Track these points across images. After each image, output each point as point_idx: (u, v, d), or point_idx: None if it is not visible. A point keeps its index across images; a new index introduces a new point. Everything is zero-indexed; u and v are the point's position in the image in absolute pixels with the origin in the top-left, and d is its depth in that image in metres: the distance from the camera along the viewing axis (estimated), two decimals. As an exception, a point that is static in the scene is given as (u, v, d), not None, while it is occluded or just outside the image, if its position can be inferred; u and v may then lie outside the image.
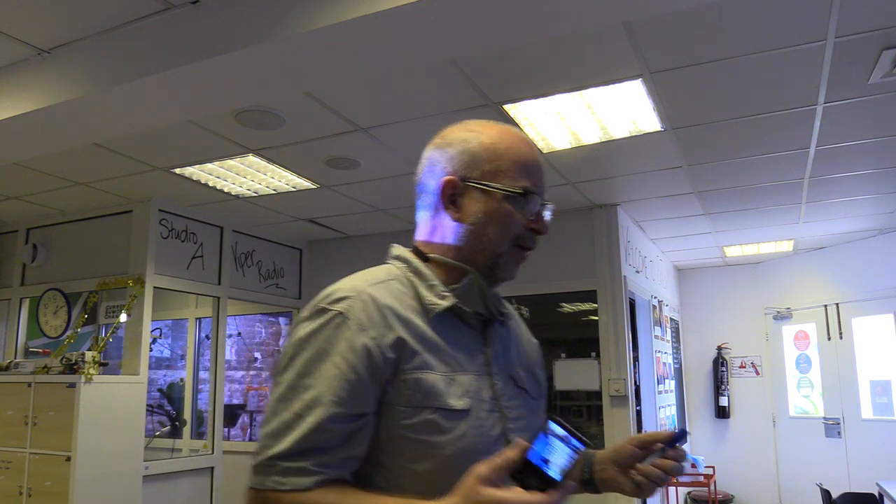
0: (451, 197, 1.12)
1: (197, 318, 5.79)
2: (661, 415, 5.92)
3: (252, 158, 3.84)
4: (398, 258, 1.17)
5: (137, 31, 2.50)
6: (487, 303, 1.13)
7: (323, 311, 1.02)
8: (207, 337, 5.40)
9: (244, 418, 7.18)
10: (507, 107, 3.20)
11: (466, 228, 1.11)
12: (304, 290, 5.97)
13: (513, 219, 1.10)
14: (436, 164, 1.15)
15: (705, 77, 2.92)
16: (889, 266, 5.99)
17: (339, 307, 1.02)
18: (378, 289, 1.06)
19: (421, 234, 1.18)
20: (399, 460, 1.00)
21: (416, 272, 1.12)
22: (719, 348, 7.51)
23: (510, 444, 1.02)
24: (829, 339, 6.56)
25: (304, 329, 1.02)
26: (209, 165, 3.96)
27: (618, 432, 4.63)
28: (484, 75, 2.89)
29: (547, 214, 1.15)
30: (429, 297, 1.08)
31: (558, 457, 0.89)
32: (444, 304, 1.08)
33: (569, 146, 3.71)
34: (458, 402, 1.02)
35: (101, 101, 2.65)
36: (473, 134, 1.14)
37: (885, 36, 2.59)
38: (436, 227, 1.15)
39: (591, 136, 3.58)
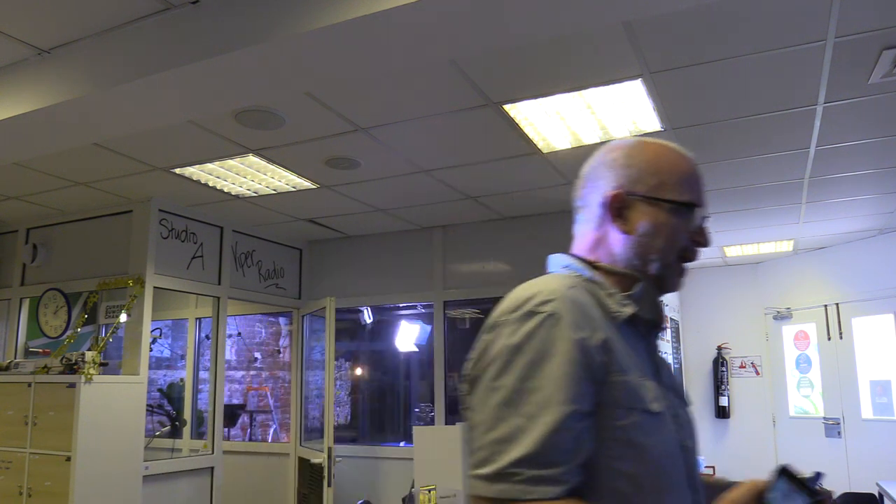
0: (618, 210, 1.15)
1: (197, 318, 5.79)
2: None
3: (252, 158, 3.85)
4: (568, 267, 1.18)
5: (137, 31, 2.50)
6: (655, 311, 1.15)
7: (532, 313, 1.02)
8: (207, 337, 5.40)
9: (244, 418, 7.18)
10: (507, 107, 3.20)
11: (635, 241, 1.14)
12: (304, 290, 5.97)
13: (679, 231, 1.14)
14: (599, 178, 1.18)
15: (705, 77, 2.92)
16: (889, 266, 5.99)
17: (548, 308, 1.02)
18: (573, 292, 1.07)
19: (581, 247, 1.21)
20: (610, 462, 0.99)
21: (592, 280, 1.14)
22: (719, 348, 7.51)
23: (687, 451, 1.08)
24: (829, 339, 6.56)
25: (517, 333, 1.01)
26: (209, 165, 3.96)
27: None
28: (484, 75, 2.89)
29: (707, 227, 1.18)
30: (612, 304, 1.10)
31: None
32: (628, 311, 1.10)
33: (569, 146, 3.71)
34: (654, 406, 1.05)
35: (101, 101, 2.65)
36: (636, 150, 1.18)
37: (885, 36, 2.59)
38: (600, 240, 1.18)
39: (591, 136, 3.58)
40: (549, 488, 0.92)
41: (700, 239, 1.16)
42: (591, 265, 1.17)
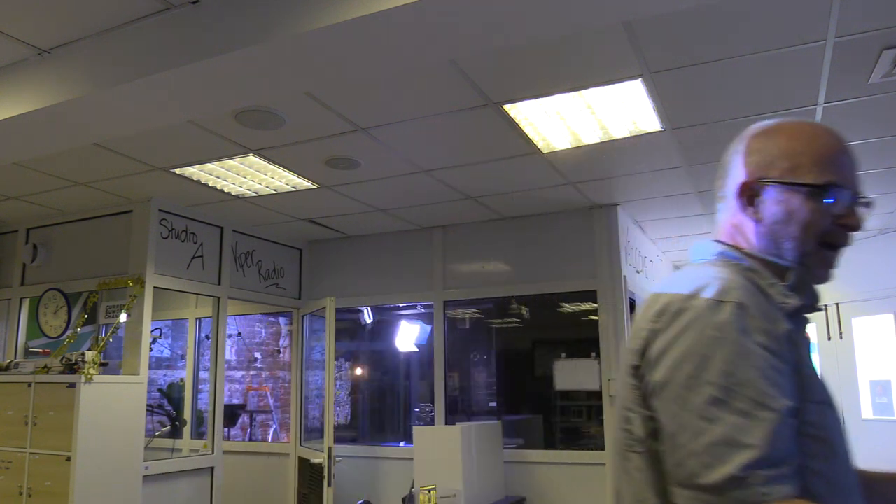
0: (750, 198, 1.10)
1: (197, 318, 5.79)
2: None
3: (252, 158, 3.85)
4: (722, 255, 1.11)
5: (137, 31, 2.50)
6: (814, 301, 1.09)
7: (720, 303, 0.95)
8: (207, 337, 5.40)
9: (244, 418, 7.18)
10: (507, 107, 3.20)
11: (768, 229, 1.08)
12: (304, 290, 5.97)
13: (816, 216, 1.05)
14: (733, 165, 1.14)
15: (705, 77, 2.92)
16: (889, 266, 5.99)
17: (733, 297, 0.95)
18: (745, 282, 1.01)
19: (722, 236, 1.16)
20: (805, 460, 0.92)
21: (751, 270, 1.07)
22: (719, 348, 7.50)
23: (849, 450, 1.04)
24: (829, 339, 6.56)
25: (709, 324, 0.93)
26: (209, 165, 3.96)
27: (618, 432, 4.62)
28: (484, 75, 2.89)
29: (861, 208, 1.10)
30: (776, 295, 1.03)
31: None
32: (793, 302, 1.03)
33: (569, 146, 3.71)
34: (832, 401, 1.00)
35: (101, 101, 2.65)
36: (770, 133, 1.12)
37: (885, 36, 2.59)
38: (737, 230, 1.13)
39: (591, 136, 3.58)
40: (785, 487, 0.85)
41: (849, 221, 1.07)
42: (746, 254, 1.09)
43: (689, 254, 1.18)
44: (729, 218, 1.14)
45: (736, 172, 1.13)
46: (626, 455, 1.03)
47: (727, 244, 1.13)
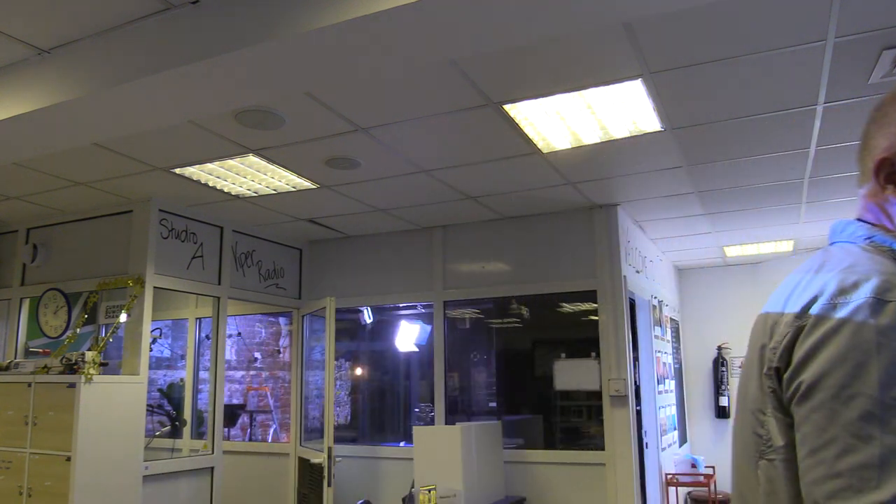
0: (889, 175, 0.97)
1: (197, 318, 5.79)
2: (661, 415, 5.92)
3: (252, 158, 3.85)
4: (872, 240, 0.98)
5: (137, 31, 2.50)
6: None
7: (882, 301, 0.82)
8: (207, 337, 5.40)
9: (244, 418, 7.18)
10: (507, 107, 3.20)
11: None
12: (304, 290, 5.97)
13: None
14: (872, 139, 1.01)
15: (705, 77, 2.92)
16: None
17: None
18: None
19: (866, 215, 1.03)
20: None
21: None
22: (719, 348, 7.51)
23: None
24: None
25: (868, 327, 0.81)
26: (209, 165, 3.96)
27: (618, 432, 4.63)
28: (484, 75, 2.89)
29: None
30: None
31: None
32: None
33: (569, 146, 3.71)
34: None
35: (101, 101, 2.65)
36: None
37: (885, 36, 2.59)
38: (881, 209, 0.99)
39: (591, 136, 3.58)
40: None
41: None
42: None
43: (830, 233, 1.06)
44: (871, 196, 1.01)
45: (873, 145, 1.00)
46: (756, 462, 0.94)
47: (874, 224, 1.00)
